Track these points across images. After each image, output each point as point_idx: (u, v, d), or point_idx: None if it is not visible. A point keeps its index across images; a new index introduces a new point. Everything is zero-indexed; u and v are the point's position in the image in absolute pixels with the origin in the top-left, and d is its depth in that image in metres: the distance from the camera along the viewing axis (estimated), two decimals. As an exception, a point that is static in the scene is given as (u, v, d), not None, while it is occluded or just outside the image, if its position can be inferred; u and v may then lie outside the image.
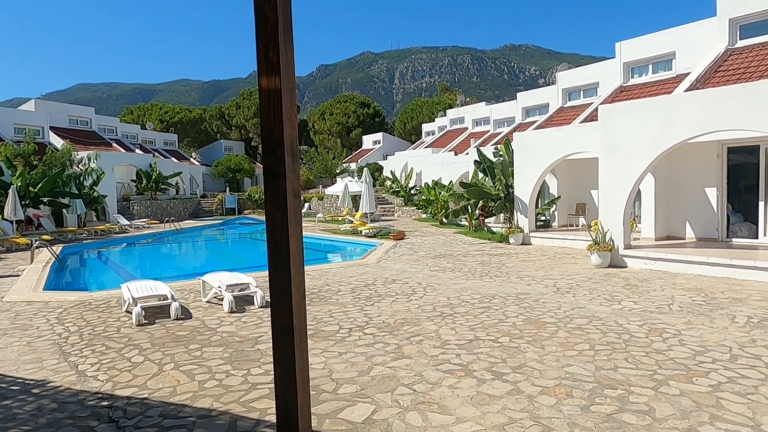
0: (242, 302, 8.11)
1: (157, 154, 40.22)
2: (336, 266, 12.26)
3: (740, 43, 15.02)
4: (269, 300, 7.92)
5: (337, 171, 39.34)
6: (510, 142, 17.01)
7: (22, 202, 18.96)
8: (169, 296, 7.52)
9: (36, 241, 15.06)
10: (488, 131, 34.36)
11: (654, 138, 10.43)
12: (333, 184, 34.67)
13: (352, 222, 21.57)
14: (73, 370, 5.26)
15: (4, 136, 27.95)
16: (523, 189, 15.16)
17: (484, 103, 41.17)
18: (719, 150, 12.18)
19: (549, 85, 30.75)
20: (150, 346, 6.00)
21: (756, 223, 11.79)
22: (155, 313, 7.48)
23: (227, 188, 40.05)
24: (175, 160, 40.28)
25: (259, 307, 7.79)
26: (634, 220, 13.09)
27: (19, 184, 19.41)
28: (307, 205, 33.10)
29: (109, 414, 4.19)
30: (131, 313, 7.26)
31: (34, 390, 4.75)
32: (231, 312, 7.54)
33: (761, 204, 11.57)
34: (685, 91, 13.24)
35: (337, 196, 27.36)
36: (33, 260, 13.33)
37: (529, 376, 4.76)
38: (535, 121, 25.61)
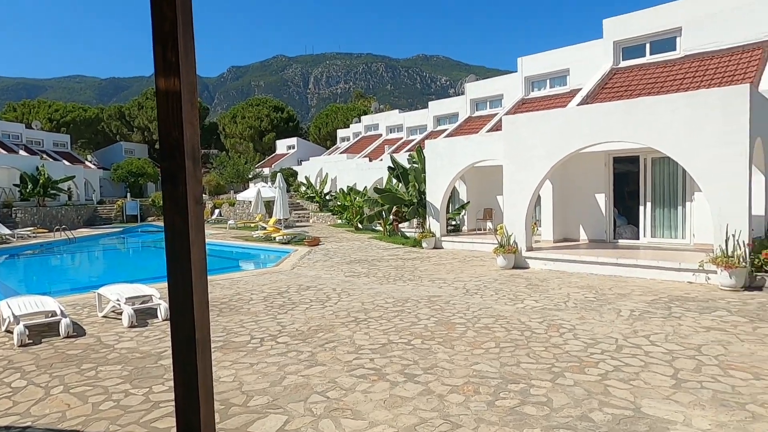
0: (145, 315, 7.59)
1: (45, 156, 36.60)
2: (248, 274, 11.88)
3: (623, 63, 16.68)
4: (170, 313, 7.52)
5: (250, 176, 38.23)
6: (422, 149, 17.53)
7: None
8: (58, 312, 6.85)
9: None
10: (402, 138, 35.15)
11: (551, 147, 11.26)
12: (245, 189, 33.60)
13: (265, 228, 21.03)
14: (-63, 400, 4.62)
15: None
16: (435, 195, 15.68)
17: (397, 110, 42.11)
18: (606, 159, 13.41)
19: (459, 95, 32.14)
20: (35, 368, 5.42)
21: (638, 225, 13.12)
22: (41, 331, 6.79)
23: (128, 194, 37.34)
24: (67, 162, 36.90)
25: (164, 320, 7.34)
26: (535, 224, 14.03)
27: None
28: (217, 211, 31.78)
29: (-18, 447, 3.73)
30: (12, 332, 6.52)
31: None
32: (131, 326, 7.03)
33: (642, 208, 12.90)
34: (578, 105, 14.45)
35: (250, 201, 26.56)
36: None
37: (439, 376, 4.91)
38: (445, 130, 26.63)
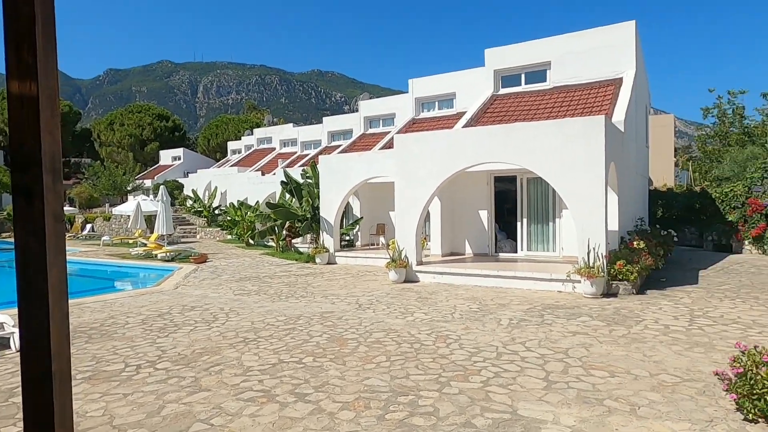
0: (-7, 346, 6.62)
1: None
2: (124, 295, 10.90)
3: (502, 90, 18.14)
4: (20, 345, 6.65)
5: (129, 188, 35.32)
6: (316, 164, 17.50)
7: None
8: None
9: None
10: (296, 152, 34.80)
11: (439, 166, 11.85)
12: (123, 202, 30.94)
13: (146, 245, 19.51)
14: None
15: None
16: (329, 210, 15.69)
17: (291, 124, 41.67)
18: (488, 178, 14.43)
19: (353, 112, 32.66)
20: None
21: (516, 240, 14.22)
22: None
23: (-23, 206, 32.56)
24: None
25: (17, 352, 6.44)
26: (425, 239, 14.61)
27: None
28: (89, 226, 28.87)
29: None
30: None
31: None
32: (-24, 360, 6.08)
33: (519, 224, 14.02)
34: (463, 127, 15.41)
35: (128, 216, 24.49)
36: None
37: (330, 393, 4.88)
38: (339, 145, 26.86)
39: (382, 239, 17.43)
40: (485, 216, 14.49)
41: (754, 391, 3.98)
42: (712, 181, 18.87)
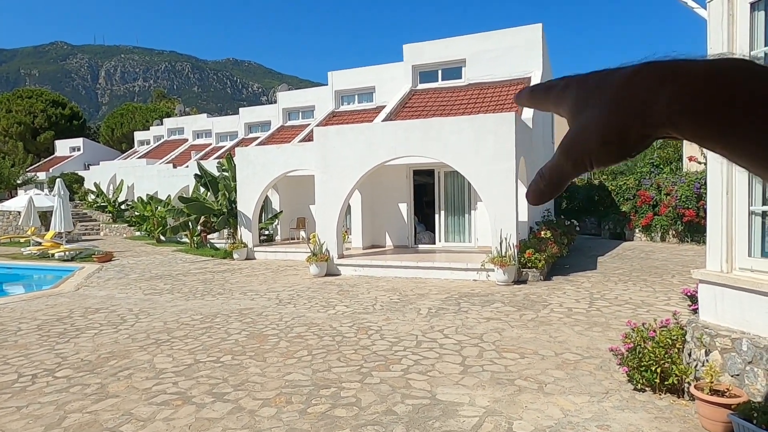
0: None
1: None
2: (15, 299, 9.90)
3: (420, 86, 18.54)
4: None
5: (19, 181, 32.02)
6: (233, 156, 16.88)
7: None
8: None
9: None
10: (210, 144, 33.31)
11: (360, 159, 11.91)
12: (12, 197, 27.97)
13: (40, 244, 17.81)
14: None
15: None
16: (247, 204, 15.22)
17: (206, 114, 39.75)
18: (408, 172, 14.72)
19: (271, 103, 31.81)
20: None
21: (434, 231, 14.66)
22: None
23: None
24: None
25: None
26: (346, 232, 14.64)
27: None
28: (-29, 224, 25.81)
29: None
30: None
31: None
32: None
33: (437, 216, 14.46)
34: (383, 121, 15.57)
35: (19, 212, 22.19)
36: None
37: (251, 391, 4.77)
38: (257, 137, 26.09)
39: (302, 233, 17.22)
40: (405, 209, 14.78)
41: (642, 364, 4.43)
42: (608, 174, 20.57)
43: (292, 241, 17.02)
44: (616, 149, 0.35)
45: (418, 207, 15.18)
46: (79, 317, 8.03)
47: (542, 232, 12.16)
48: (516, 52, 16.79)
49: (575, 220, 16.91)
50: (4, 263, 15.93)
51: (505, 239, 10.36)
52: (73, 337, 6.86)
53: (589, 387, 4.67)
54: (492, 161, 10.61)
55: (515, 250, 10.32)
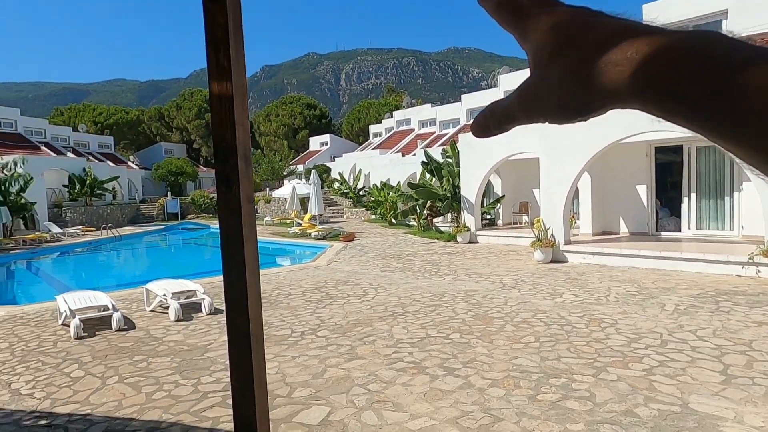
0: (189, 310, 7.87)
1: (91, 157, 38.16)
2: (286, 270, 12.12)
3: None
4: (224, 308, 7.76)
5: (284, 173, 38.84)
6: (456, 143, 17.42)
7: (-61, 211, 17.47)
8: (110, 306, 7.19)
9: (-44, 252, 13.93)
10: (434, 132, 34.98)
11: (589, 139, 11.00)
12: (280, 186, 34.19)
13: (300, 225, 21.37)
14: (4, 389, 4.94)
15: None
16: (469, 189, 15.57)
17: (429, 104, 41.89)
18: (648, 150, 13.00)
19: (492, 87, 31.69)
20: (91, 359, 5.72)
21: (680, 217, 12.68)
22: (95, 324, 7.13)
23: (169, 192, 38.57)
24: (111, 163, 38.39)
25: (208, 314, 7.59)
26: (573, 217, 13.76)
27: (-65, 191, 17.88)
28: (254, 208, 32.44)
29: (48, 433, 3.98)
30: (68, 325, 6.89)
31: (-39, 413, 4.43)
32: (178, 320, 7.30)
33: (685, 200, 12.46)
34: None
35: (285, 198, 27.03)
36: (-47, 274, 12.33)
37: (479, 370, 4.92)
38: (479, 123, 26.30)
39: (525, 218, 16.83)
40: (644, 191, 13.13)
41: None
42: None
43: (514, 226, 16.79)
44: (574, 114, 0.33)
45: (660, 189, 13.31)
46: (331, 287, 9.42)
47: None
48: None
49: None
50: (276, 240, 19.63)
51: (786, 227, 8.34)
52: (328, 303, 8.09)
53: None
54: None
55: (801, 242, 8.24)
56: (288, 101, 62.22)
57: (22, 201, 22.34)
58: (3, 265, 16.22)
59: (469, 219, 15.64)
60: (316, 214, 21.00)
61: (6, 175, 22.21)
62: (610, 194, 13.72)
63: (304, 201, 25.96)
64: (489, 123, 0.37)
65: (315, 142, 52.32)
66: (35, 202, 23.55)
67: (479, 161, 15.27)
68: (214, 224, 27.97)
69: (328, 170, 38.23)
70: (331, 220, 26.82)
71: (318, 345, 5.94)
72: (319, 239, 18.13)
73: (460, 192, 16.10)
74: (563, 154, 11.46)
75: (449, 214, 17.76)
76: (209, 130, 55.18)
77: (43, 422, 4.17)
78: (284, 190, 27.96)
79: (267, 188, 38.06)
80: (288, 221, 25.25)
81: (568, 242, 11.59)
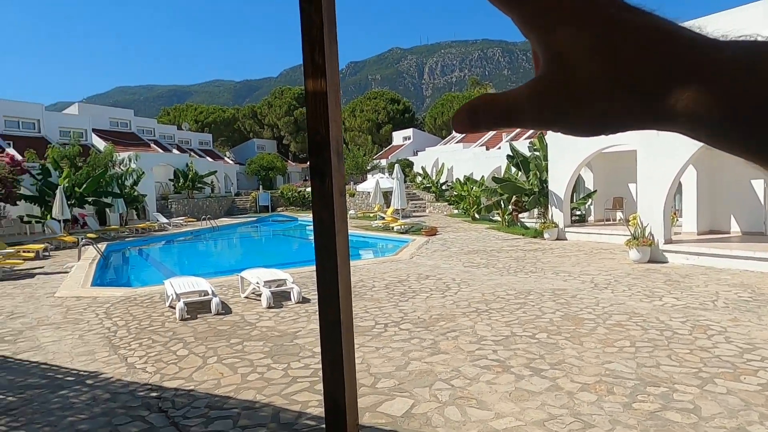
0: (279, 298, 8.28)
1: (192, 153, 41.28)
2: (369, 262, 12.36)
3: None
4: (311, 297, 8.07)
5: (368, 167, 39.52)
6: (544, 136, 16.75)
7: (69, 202, 19.79)
8: (210, 292, 7.76)
9: (82, 239, 15.71)
10: (520, 125, 33.83)
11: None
12: (364, 180, 34.86)
13: (383, 218, 21.66)
14: (122, 362, 5.51)
15: (50, 139, 29.21)
16: (558, 183, 14.90)
17: (515, 96, 40.46)
18: (766, 140, 11.67)
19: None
20: (193, 339, 6.21)
21: (807, 216, 11.27)
22: (197, 308, 7.73)
23: (260, 186, 40.78)
24: (210, 159, 41.25)
25: (296, 303, 7.94)
26: (674, 214, 12.71)
27: (66, 184, 20.28)
28: (338, 201, 33.33)
29: (158, 404, 4.38)
30: (174, 308, 7.52)
31: (87, 381, 5.00)
32: (269, 307, 7.71)
33: (812, 196, 11.05)
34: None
35: (369, 192, 27.51)
36: (80, 257, 13.93)
37: (568, 372, 4.72)
38: (569, 114, 25.08)
39: (619, 214, 15.81)
40: (760, 187, 11.82)
41: None
42: None
43: (606, 223, 15.84)
44: (601, 129, 0.27)
45: (782, 184, 11.90)
46: (414, 281, 9.47)
47: None
48: None
49: None
50: (360, 233, 20.06)
51: None
52: (410, 297, 8.14)
53: None
54: None
55: None
56: (372, 96, 63.14)
57: (135, 193, 24.70)
58: (119, 251, 18.06)
59: (557, 215, 14.99)
60: (399, 208, 21.18)
61: (122, 170, 24.66)
62: (719, 190, 12.50)
63: (387, 195, 26.27)
64: (480, 119, 0.30)
65: (398, 137, 52.68)
66: (146, 195, 25.94)
67: (569, 155, 14.56)
68: (302, 217, 29.16)
69: (410, 164, 38.36)
70: (414, 214, 26.91)
71: (401, 338, 6.00)
72: (401, 233, 18.27)
73: (547, 187, 15.47)
74: (664, 146, 10.61)
75: (535, 210, 17.14)
76: (298, 126, 57.53)
77: (153, 394, 4.60)
78: (368, 184, 28.46)
79: (351, 182, 38.99)
80: (371, 215, 25.69)
81: (668, 241, 10.74)
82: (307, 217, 28.27)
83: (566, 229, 14.85)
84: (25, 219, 20.37)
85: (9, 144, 25.20)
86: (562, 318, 6.57)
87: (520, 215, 18.14)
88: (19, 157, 21.61)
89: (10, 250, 13.85)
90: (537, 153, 16.94)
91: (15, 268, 12.33)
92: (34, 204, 20.49)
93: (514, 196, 17.62)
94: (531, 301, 7.57)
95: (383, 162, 43.64)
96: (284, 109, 58.69)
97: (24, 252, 14.41)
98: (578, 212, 16.65)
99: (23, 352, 6.00)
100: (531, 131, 28.46)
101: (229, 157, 51.52)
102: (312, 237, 1.03)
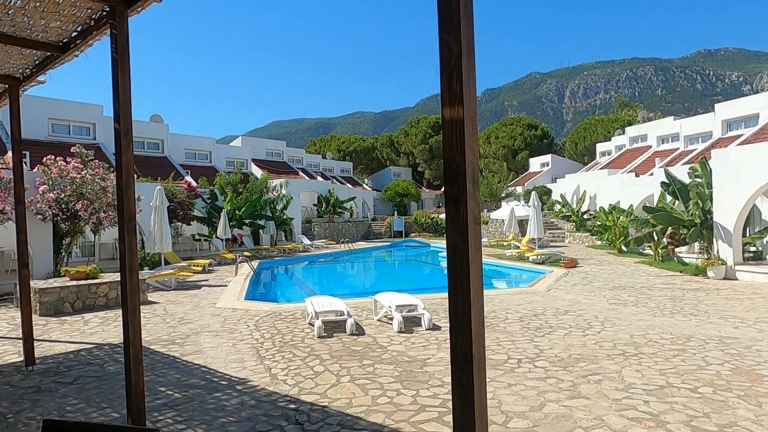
0: (410, 323, 8.34)
1: (334, 180, 44.18)
2: (502, 293, 11.92)
3: None
4: (441, 325, 8.03)
5: (503, 195, 38.57)
6: (707, 160, 14.84)
7: (230, 223, 22.38)
8: (345, 312, 8.10)
9: (239, 256, 17.59)
10: (677, 149, 30.46)
11: None
12: (498, 208, 34.03)
13: (518, 247, 20.84)
14: (267, 372, 5.96)
15: (218, 168, 33.52)
16: (726, 214, 13.02)
17: (671, 117, 36.68)
18: None
19: (757, 92, 26.15)
20: (329, 357, 6.51)
21: None
22: (333, 327, 8.12)
23: (395, 212, 42.07)
24: (349, 186, 43.74)
25: (427, 329, 7.93)
26: None
27: (229, 207, 23.01)
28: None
29: (296, 416, 4.64)
30: (313, 325, 7.99)
31: (237, 386, 5.49)
32: (400, 332, 7.81)
33: None
34: None
35: (503, 220, 26.75)
36: (237, 273, 15.58)
37: (741, 438, 3.99)
38: (739, 136, 21.97)
39: (810, 252, 13.25)
40: None
41: None
42: None
43: (792, 262, 13.36)
44: None
45: None
46: (551, 316, 8.88)
47: None
48: None
49: None
50: (493, 262, 19.51)
51: None
52: (547, 333, 7.64)
53: None
54: None
55: None
56: (508, 122, 61.89)
57: (285, 217, 27.07)
58: (269, 269, 19.84)
59: (724, 250, 13.06)
60: (536, 237, 20.25)
61: (274, 195, 27.27)
62: None
63: (522, 223, 25.31)
64: None
65: (535, 163, 50.74)
66: (293, 218, 28.29)
67: (741, 181, 12.68)
68: (434, 243, 29.32)
69: (548, 192, 36.60)
70: (551, 244, 25.49)
71: (536, 376, 5.63)
72: (537, 263, 17.39)
73: (712, 218, 13.60)
74: None
75: (696, 244, 15.14)
76: (433, 153, 58.53)
77: (292, 406, 4.89)
78: (502, 212, 27.72)
79: (485, 209, 38.33)
80: (505, 243, 24.90)
81: None
82: (439, 244, 28.35)
83: (736, 268, 12.84)
84: (196, 237, 23.44)
85: (188, 172, 29.39)
86: (733, 372, 5.62)
87: (676, 249, 16.16)
88: (194, 183, 25.12)
89: (183, 263, 16.01)
90: (699, 180, 15.05)
91: (186, 280, 14.20)
92: (203, 224, 23.52)
93: (669, 228, 15.78)
94: (691, 348, 6.62)
95: (519, 189, 42.28)
96: (420, 137, 60.20)
97: (194, 266, 16.57)
98: (752, 248, 14.32)
99: (188, 354, 6.82)
100: (688, 156, 25.41)
101: (367, 184, 54.13)
102: (444, 263, 1.01)
